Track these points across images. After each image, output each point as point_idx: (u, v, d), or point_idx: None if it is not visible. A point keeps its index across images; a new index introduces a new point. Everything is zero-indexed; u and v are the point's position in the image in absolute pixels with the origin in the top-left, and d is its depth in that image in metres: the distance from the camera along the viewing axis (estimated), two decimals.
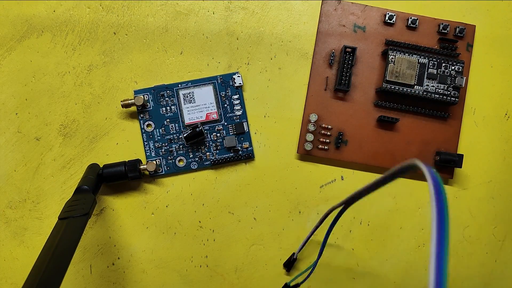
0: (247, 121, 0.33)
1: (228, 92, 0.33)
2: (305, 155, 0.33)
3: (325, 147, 0.33)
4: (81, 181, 0.30)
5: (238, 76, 0.33)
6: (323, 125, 0.33)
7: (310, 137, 0.32)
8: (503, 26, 0.34)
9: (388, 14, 0.32)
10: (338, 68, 0.33)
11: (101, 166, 0.32)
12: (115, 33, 0.33)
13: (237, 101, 0.33)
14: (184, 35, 0.33)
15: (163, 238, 0.33)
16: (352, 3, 0.33)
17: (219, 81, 0.33)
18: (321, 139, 0.33)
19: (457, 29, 0.32)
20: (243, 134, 0.33)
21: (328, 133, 0.33)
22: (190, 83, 0.33)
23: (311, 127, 0.32)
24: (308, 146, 0.32)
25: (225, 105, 0.33)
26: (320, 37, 0.33)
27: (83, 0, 0.33)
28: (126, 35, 0.33)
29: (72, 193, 0.32)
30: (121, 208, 0.33)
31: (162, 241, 0.33)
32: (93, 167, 0.31)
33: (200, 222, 0.33)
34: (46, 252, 0.24)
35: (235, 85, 0.33)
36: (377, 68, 0.33)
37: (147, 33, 0.33)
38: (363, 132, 0.33)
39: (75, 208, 0.27)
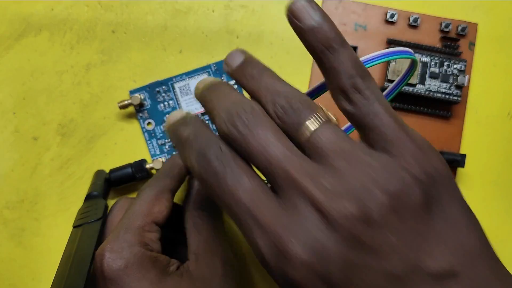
0: None
1: (223, 79, 0.32)
2: None
3: None
4: (90, 188, 0.30)
5: None
6: None
7: None
8: (506, 24, 0.34)
9: (389, 12, 0.32)
10: None
11: (101, 166, 0.32)
12: (113, 32, 0.33)
13: (234, 86, 0.32)
14: (184, 34, 0.33)
15: None
16: (353, 1, 0.33)
17: (213, 69, 0.32)
18: None
19: (459, 27, 0.32)
20: None
21: None
22: (184, 75, 0.32)
23: None
24: None
25: None
26: None
27: None
28: (125, 33, 0.33)
29: (71, 194, 0.32)
30: None
31: None
32: (99, 173, 0.31)
33: None
34: (65, 261, 0.24)
35: None
36: (379, 67, 0.32)
37: (146, 31, 0.33)
38: None
39: (88, 215, 0.27)
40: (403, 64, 0.31)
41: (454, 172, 0.32)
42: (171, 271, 0.23)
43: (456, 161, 0.31)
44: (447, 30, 0.32)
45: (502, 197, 0.33)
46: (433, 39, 0.33)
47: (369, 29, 0.33)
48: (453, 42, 0.32)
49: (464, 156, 0.31)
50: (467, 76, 0.31)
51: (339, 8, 0.33)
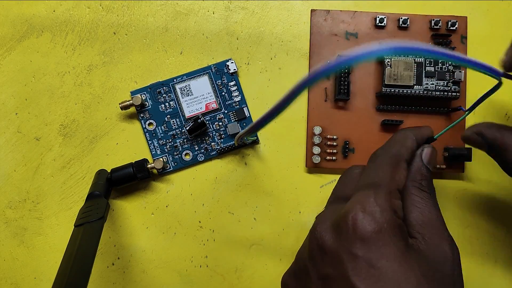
0: (247, 106, 0.33)
1: (224, 80, 0.33)
2: (314, 168, 0.33)
3: (333, 157, 0.32)
4: (91, 188, 0.30)
5: (232, 62, 0.33)
6: (328, 136, 0.33)
7: (316, 150, 0.32)
8: (495, 14, 0.33)
9: (378, 17, 0.32)
10: (335, 78, 0.33)
11: (102, 166, 0.33)
12: (115, 33, 0.33)
13: (234, 88, 0.33)
14: (184, 35, 0.33)
15: (163, 238, 0.33)
16: (341, 11, 0.33)
17: (213, 70, 0.33)
18: (328, 151, 0.32)
19: (449, 22, 0.32)
20: (245, 120, 0.33)
21: (334, 143, 0.33)
22: (185, 76, 0.33)
23: (317, 140, 0.32)
24: (316, 159, 0.32)
25: (223, 93, 0.33)
26: (313, 49, 0.33)
27: (83, 0, 0.33)
28: (126, 35, 0.33)
29: (72, 193, 0.33)
30: (121, 208, 0.33)
31: (162, 241, 0.33)
32: (101, 173, 0.32)
33: (200, 222, 0.33)
34: (67, 260, 0.24)
35: (230, 71, 0.33)
36: (375, 73, 0.33)
37: (147, 33, 0.33)
38: (369, 138, 0.33)
39: (90, 214, 0.28)
40: (398, 68, 0.31)
41: (462, 166, 0.33)
42: (410, 244, 0.22)
43: (462, 156, 0.31)
44: (437, 27, 0.32)
45: (499, 196, 0.33)
46: (424, 38, 0.33)
47: (360, 36, 0.33)
48: (445, 38, 0.32)
49: (470, 149, 0.31)
50: (463, 71, 0.31)
51: (328, 19, 0.33)
